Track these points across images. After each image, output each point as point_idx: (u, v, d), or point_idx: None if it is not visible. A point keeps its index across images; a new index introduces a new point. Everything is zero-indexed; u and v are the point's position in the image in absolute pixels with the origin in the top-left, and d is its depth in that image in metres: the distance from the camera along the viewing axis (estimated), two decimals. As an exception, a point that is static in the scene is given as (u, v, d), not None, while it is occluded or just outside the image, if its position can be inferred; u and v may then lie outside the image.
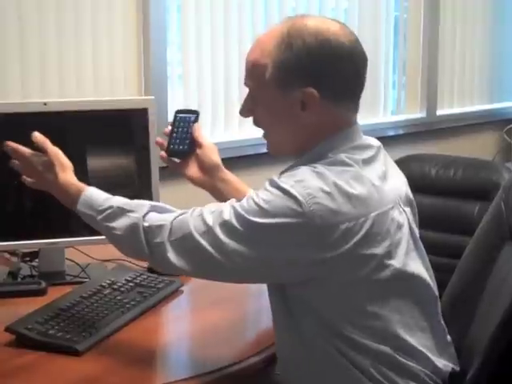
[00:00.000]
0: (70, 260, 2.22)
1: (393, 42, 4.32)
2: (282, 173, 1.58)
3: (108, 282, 1.99)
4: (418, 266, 1.61)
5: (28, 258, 2.26)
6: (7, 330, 1.71)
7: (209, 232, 1.51)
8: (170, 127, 1.91)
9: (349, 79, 1.58)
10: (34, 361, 1.62)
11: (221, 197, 1.86)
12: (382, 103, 4.28)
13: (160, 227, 1.56)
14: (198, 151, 1.89)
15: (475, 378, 1.63)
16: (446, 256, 2.42)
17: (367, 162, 1.58)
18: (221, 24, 3.41)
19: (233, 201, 1.54)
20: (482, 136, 4.79)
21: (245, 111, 1.65)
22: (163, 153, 1.91)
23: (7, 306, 1.97)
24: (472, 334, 1.72)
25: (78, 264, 2.21)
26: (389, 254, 1.53)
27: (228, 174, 1.90)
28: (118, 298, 1.91)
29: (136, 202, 1.66)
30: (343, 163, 1.53)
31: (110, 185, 2.00)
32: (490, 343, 1.62)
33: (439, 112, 4.58)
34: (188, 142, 1.89)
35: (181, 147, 1.89)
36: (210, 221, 1.52)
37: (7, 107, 2.13)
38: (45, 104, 2.11)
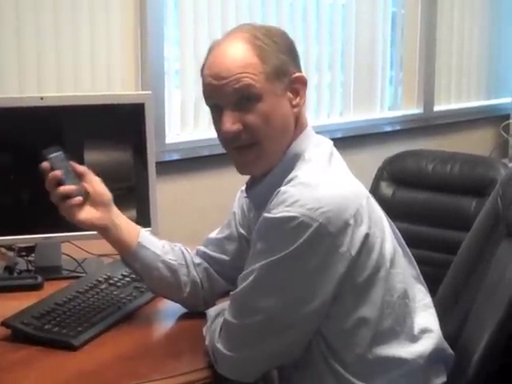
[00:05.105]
0: (67, 255, 2.22)
1: (390, 37, 4.32)
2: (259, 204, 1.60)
3: (104, 276, 1.99)
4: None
5: (24, 253, 2.26)
6: (3, 324, 1.71)
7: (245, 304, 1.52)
8: (58, 172, 1.67)
9: None
10: (29, 355, 1.62)
11: (116, 233, 1.73)
12: (379, 99, 4.28)
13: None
14: (90, 188, 1.72)
15: (474, 373, 1.63)
16: (442, 252, 2.43)
17: (331, 156, 1.61)
18: (218, 19, 3.41)
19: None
20: (478, 132, 4.79)
21: (236, 126, 1.56)
22: (79, 198, 1.68)
23: (3, 301, 1.97)
24: (469, 329, 1.72)
25: (74, 259, 2.21)
26: (384, 240, 1.55)
27: (115, 207, 1.76)
28: (115, 293, 1.91)
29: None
30: (319, 162, 1.57)
31: (107, 179, 1.99)
32: (490, 340, 1.63)
33: (436, 108, 4.58)
34: (78, 180, 1.70)
35: (77, 187, 1.69)
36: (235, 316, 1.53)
37: (4, 101, 2.12)
38: (41, 98, 2.11)
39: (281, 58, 1.57)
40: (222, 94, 1.56)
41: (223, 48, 1.59)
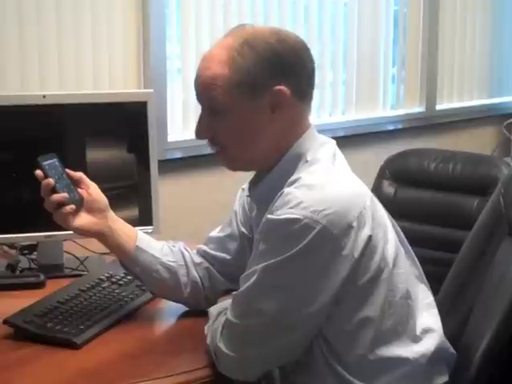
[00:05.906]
0: (69, 253, 2.23)
1: (392, 36, 4.31)
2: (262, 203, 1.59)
3: (106, 275, 1.99)
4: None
5: (27, 251, 2.27)
6: (5, 322, 1.71)
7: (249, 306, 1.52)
8: (51, 179, 1.67)
9: (310, 76, 1.63)
10: (32, 354, 1.62)
11: (113, 238, 1.74)
12: (382, 97, 4.28)
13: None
14: (86, 194, 1.72)
15: (476, 373, 1.63)
16: (444, 250, 2.43)
17: (334, 156, 1.60)
18: (220, 18, 3.40)
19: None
20: (481, 131, 4.79)
21: (205, 131, 1.60)
22: (71, 206, 1.67)
23: (6, 299, 1.97)
24: (471, 329, 1.72)
25: (76, 257, 2.21)
26: (387, 241, 1.55)
27: (112, 212, 1.76)
28: (117, 291, 1.91)
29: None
30: (323, 163, 1.56)
31: (109, 177, 2.00)
32: (492, 339, 1.63)
33: (438, 106, 4.57)
34: (73, 187, 1.71)
35: (71, 194, 1.69)
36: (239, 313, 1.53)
37: (6, 99, 2.12)
38: (44, 97, 2.10)
39: (255, 72, 1.53)
40: (199, 97, 1.62)
41: (208, 50, 1.61)
